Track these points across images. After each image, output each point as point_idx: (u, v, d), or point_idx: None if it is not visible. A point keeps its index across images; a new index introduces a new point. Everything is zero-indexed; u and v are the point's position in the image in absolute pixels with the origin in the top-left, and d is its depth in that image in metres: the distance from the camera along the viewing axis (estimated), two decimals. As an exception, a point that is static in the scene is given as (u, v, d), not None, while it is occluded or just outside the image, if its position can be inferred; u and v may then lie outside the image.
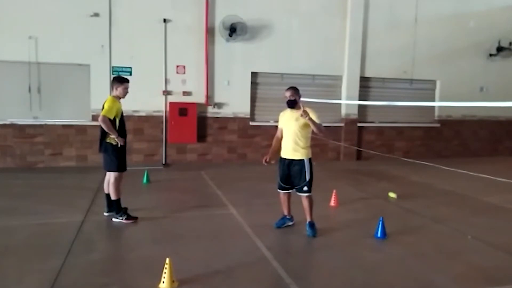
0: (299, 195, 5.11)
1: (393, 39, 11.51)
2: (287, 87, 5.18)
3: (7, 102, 9.23)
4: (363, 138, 11.70)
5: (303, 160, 5.01)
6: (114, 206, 5.54)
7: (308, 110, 5.00)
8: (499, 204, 6.91)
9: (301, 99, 5.19)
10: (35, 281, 3.73)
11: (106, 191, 5.71)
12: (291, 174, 5.08)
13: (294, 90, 5.09)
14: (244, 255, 4.46)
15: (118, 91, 5.49)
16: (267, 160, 5.17)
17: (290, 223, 5.40)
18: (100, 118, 5.26)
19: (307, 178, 5.01)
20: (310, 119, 4.82)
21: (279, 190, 5.29)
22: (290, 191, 5.24)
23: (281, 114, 5.26)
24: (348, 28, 11.13)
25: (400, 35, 11.58)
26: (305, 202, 5.11)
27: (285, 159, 5.10)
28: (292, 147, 5.02)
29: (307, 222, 5.13)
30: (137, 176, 7.95)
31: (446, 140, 12.48)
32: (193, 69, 10.26)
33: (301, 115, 4.81)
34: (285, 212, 5.39)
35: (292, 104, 5.07)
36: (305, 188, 5.02)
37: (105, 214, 5.72)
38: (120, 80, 5.56)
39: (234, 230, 5.33)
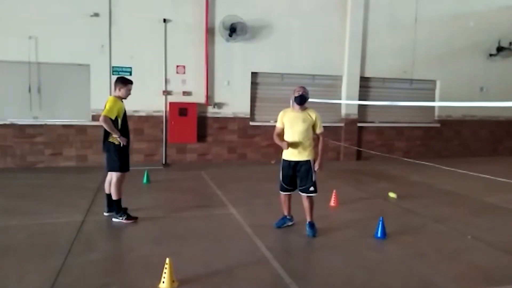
0: (303, 195, 5.08)
1: (393, 39, 11.51)
2: (297, 87, 5.09)
3: (7, 102, 9.23)
4: (363, 138, 11.70)
5: (309, 160, 4.99)
6: (115, 206, 5.53)
7: (312, 114, 5.01)
8: (499, 204, 6.91)
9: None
10: (35, 281, 3.73)
11: (107, 191, 5.70)
12: (298, 175, 5.03)
13: (305, 89, 5.05)
14: (244, 255, 4.46)
15: (120, 91, 5.49)
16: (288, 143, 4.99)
17: (290, 223, 5.38)
18: (101, 118, 5.25)
19: (314, 179, 5.01)
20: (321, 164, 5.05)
21: (281, 192, 5.25)
22: (291, 192, 5.21)
23: (282, 113, 5.15)
24: (348, 28, 11.14)
25: (400, 35, 11.58)
26: (307, 203, 5.09)
27: (291, 161, 5.03)
28: (299, 148, 4.96)
29: (307, 222, 5.11)
30: (137, 176, 7.94)
31: (446, 140, 12.48)
32: (193, 69, 10.26)
33: (319, 169, 5.03)
34: (285, 212, 5.36)
35: (303, 100, 5.00)
36: (312, 189, 5.00)
37: (105, 214, 5.71)
38: (124, 81, 5.54)
39: (234, 230, 5.33)
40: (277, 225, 5.32)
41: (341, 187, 7.44)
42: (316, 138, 5.15)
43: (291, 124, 5.00)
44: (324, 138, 5.15)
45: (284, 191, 5.21)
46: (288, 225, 5.37)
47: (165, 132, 10.21)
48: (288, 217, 5.38)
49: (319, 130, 5.05)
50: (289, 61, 10.88)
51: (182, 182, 8.49)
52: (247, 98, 10.73)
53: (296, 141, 4.96)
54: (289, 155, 5.02)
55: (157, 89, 10.03)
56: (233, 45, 10.37)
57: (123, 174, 5.57)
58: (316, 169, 5.00)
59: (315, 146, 5.10)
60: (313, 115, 5.02)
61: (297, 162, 4.99)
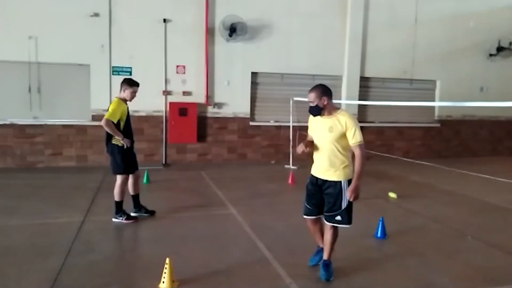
0: (327, 224, 3.89)
1: (393, 39, 11.51)
2: (308, 92, 3.82)
3: (7, 102, 9.22)
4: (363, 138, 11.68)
5: (340, 182, 3.75)
6: (116, 207, 5.51)
7: (343, 118, 3.69)
8: (499, 204, 6.91)
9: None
10: (35, 281, 3.73)
11: (132, 193, 5.72)
12: (325, 198, 3.85)
13: (316, 91, 3.76)
14: (244, 255, 4.46)
15: (125, 93, 5.46)
16: (305, 150, 3.86)
17: None
18: (103, 122, 5.22)
19: (343, 206, 3.76)
20: (356, 192, 3.71)
21: (305, 216, 4.04)
22: (318, 216, 3.99)
23: (311, 118, 3.96)
24: (348, 28, 11.13)
25: (400, 35, 11.58)
26: (328, 235, 3.88)
27: (317, 178, 3.88)
28: (326, 165, 3.78)
29: (322, 261, 3.97)
30: (137, 176, 7.95)
31: (446, 140, 12.48)
32: (193, 69, 10.26)
33: (351, 198, 3.72)
34: (321, 243, 4.14)
35: (315, 111, 3.80)
36: (338, 218, 3.77)
37: (133, 214, 5.67)
38: (130, 82, 5.51)
39: (234, 230, 5.33)
40: (313, 263, 4.17)
41: (341, 187, 7.44)
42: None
43: (317, 133, 3.87)
44: (363, 152, 3.70)
45: (308, 215, 4.00)
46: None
47: (165, 132, 10.21)
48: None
49: (353, 141, 3.68)
50: (289, 61, 10.88)
51: (182, 182, 8.49)
52: (247, 98, 10.73)
53: (322, 155, 3.82)
54: (316, 170, 3.90)
55: (157, 89, 10.03)
56: (233, 45, 10.37)
57: (127, 176, 5.57)
58: (348, 196, 3.71)
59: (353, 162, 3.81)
60: (344, 120, 3.68)
61: (324, 181, 3.83)
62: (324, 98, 3.73)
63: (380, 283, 3.89)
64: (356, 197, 3.73)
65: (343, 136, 3.70)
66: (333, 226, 3.84)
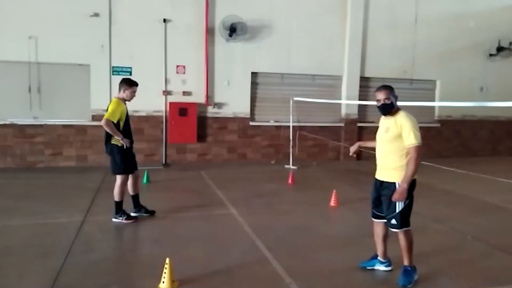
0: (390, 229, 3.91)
1: (393, 39, 11.51)
2: (377, 87, 3.99)
3: (7, 102, 9.23)
4: (363, 138, 11.66)
5: (394, 183, 3.80)
6: (116, 207, 5.51)
7: (399, 120, 3.79)
8: (499, 204, 6.91)
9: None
10: (35, 281, 3.73)
11: (131, 193, 5.72)
12: (382, 200, 3.95)
13: (386, 90, 3.88)
14: (244, 255, 4.46)
15: (125, 93, 5.46)
16: (353, 152, 4.43)
17: (384, 268, 4.14)
18: (103, 122, 5.23)
19: (397, 209, 3.77)
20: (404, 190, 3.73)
21: (372, 218, 4.19)
22: (381, 220, 4.06)
23: (381, 119, 4.05)
24: (348, 28, 11.14)
25: (400, 35, 11.58)
26: (400, 241, 3.88)
27: (377, 179, 4.02)
28: (382, 165, 3.94)
29: (402, 266, 3.93)
30: (137, 176, 7.95)
31: (446, 140, 12.47)
32: (193, 69, 10.26)
33: (396, 198, 3.73)
34: (378, 251, 4.18)
35: (387, 109, 3.86)
36: (393, 222, 3.80)
37: (133, 214, 5.67)
38: (129, 82, 5.51)
39: (234, 230, 5.33)
40: (362, 265, 4.20)
41: (341, 187, 7.44)
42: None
43: (378, 134, 4.01)
44: (417, 155, 3.79)
45: (373, 217, 4.14)
46: (379, 270, 4.14)
47: (165, 132, 10.21)
48: (380, 259, 4.16)
49: (407, 142, 3.76)
50: (289, 61, 10.88)
51: (182, 182, 8.49)
52: (247, 98, 10.73)
53: (379, 156, 3.99)
54: (377, 172, 4.07)
55: (157, 89, 10.04)
56: (233, 45, 10.37)
57: (127, 176, 5.57)
58: (394, 198, 3.76)
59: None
60: (399, 121, 3.77)
61: (381, 183, 3.96)
62: (394, 97, 3.86)
63: (380, 283, 3.90)
64: (400, 199, 3.74)
65: (398, 137, 3.76)
66: (403, 230, 3.81)
